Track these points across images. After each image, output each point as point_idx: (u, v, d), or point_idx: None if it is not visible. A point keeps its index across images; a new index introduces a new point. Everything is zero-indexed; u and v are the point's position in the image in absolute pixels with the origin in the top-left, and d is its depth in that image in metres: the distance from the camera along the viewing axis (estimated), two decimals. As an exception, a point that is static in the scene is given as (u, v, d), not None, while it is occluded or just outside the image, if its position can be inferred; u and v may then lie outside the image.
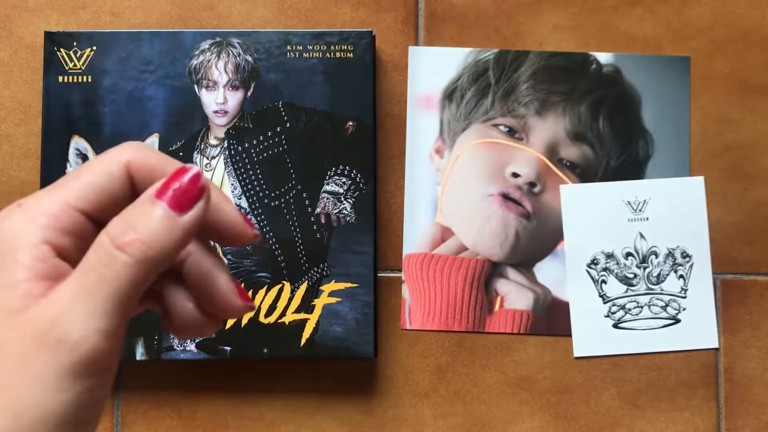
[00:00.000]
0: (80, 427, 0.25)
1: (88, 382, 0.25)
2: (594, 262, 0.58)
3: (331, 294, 0.55)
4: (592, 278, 0.58)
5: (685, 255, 0.58)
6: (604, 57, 0.59)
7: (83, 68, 0.56)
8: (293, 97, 0.56)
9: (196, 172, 0.27)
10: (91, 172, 0.27)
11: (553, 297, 0.58)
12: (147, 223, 0.26)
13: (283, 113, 0.57)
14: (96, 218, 0.27)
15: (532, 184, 0.58)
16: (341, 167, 0.56)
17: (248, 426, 0.57)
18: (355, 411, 0.57)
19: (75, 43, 0.56)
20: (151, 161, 0.28)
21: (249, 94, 0.56)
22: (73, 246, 0.27)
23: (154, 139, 0.56)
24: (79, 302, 0.25)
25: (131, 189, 0.28)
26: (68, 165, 0.56)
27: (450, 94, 0.59)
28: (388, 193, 0.59)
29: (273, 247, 0.56)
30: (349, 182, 0.56)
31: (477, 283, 0.57)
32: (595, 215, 0.58)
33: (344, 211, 0.56)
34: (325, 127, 0.56)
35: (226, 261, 0.55)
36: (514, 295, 0.58)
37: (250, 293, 0.55)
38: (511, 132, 0.58)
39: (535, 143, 0.58)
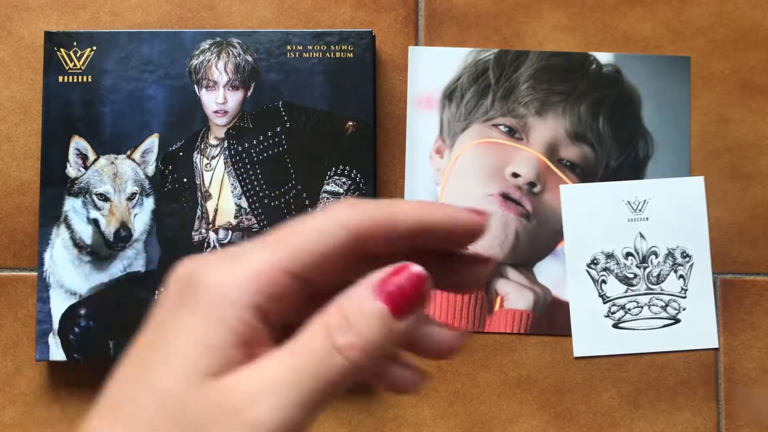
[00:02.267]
0: None
1: None
2: (594, 262, 0.58)
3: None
4: (592, 278, 0.58)
5: (685, 255, 0.58)
6: (604, 57, 0.59)
7: (83, 68, 0.56)
8: (293, 97, 0.56)
9: (423, 275, 0.26)
10: (308, 231, 0.26)
11: (553, 297, 0.58)
12: (367, 326, 0.25)
13: (283, 113, 0.57)
14: (307, 280, 0.26)
15: (532, 184, 0.58)
16: (341, 167, 0.56)
17: (248, 426, 0.57)
18: (356, 411, 0.57)
19: (75, 43, 0.56)
20: (369, 212, 0.26)
21: (249, 94, 0.56)
22: (277, 310, 0.26)
23: (154, 139, 0.56)
24: (286, 390, 0.24)
25: (355, 252, 0.27)
26: (68, 165, 0.56)
27: (450, 94, 0.59)
28: (388, 193, 0.59)
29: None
30: (349, 182, 0.56)
31: (477, 283, 0.57)
32: (595, 215, 0.58)
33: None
34: (325, 127, 0.56)
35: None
36: (514, 295, 0.58)
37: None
38: (511, 132, 0.58)
39: (535, 143, 0.58)
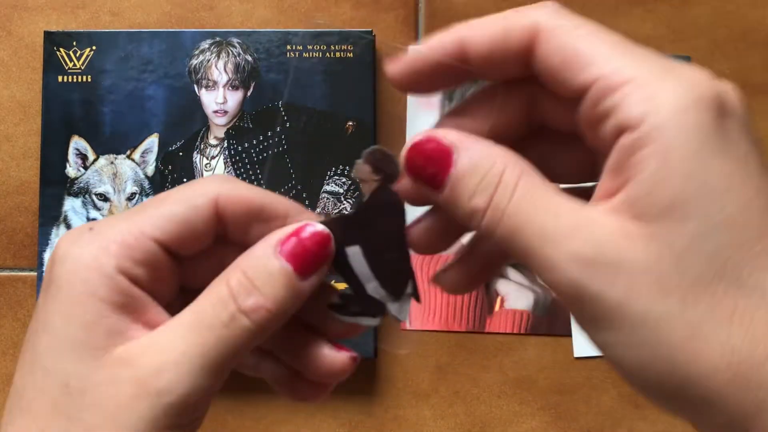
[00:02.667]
0: None
1: None
2: (594, 263, 0.58)
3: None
4: (592, 278, 0.58)
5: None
6: (604, 57, 0.59)
7: (83, 68, 0.56)
8: (293, 97, 0.56)
9: (325, 233, 0.25)
10: (173, 201, 0.25)
11: (554, 297, 0.58)
12: (272, 286, 0.24)
13: (283, 113, 0.56)
14: (172, 249, 0.25)
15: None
16: (341, 167, 0.56)
17: (248, 426, 0.57)
18: (356, 411, 0.57)
19: (75, 43, 0.56)
20: (242, 194, 0.26)
21: (249, 93, 0.56)
22: (146, 277, 0.25)
23: (153, 139, 0.56)
24: (190, 357, 0.23)
25: (216, 224, 0.26)
26: (67, 165, 0.56)
27: (450, 94, 0.59)
28: (388, 193, 0.58)
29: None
30: (349, 182, 0.56)
31: (477, 283, 0.57)
32: (596, 215, 0.58)
33: (344, 211, 0.56)
34: (325, 127, 0.56)
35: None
36: (514, 296, 0.58)
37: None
38: (512, 132, 0.58)
39: (536, 143, 0.58)
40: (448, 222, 0.26)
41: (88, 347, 0.23)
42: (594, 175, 0.24)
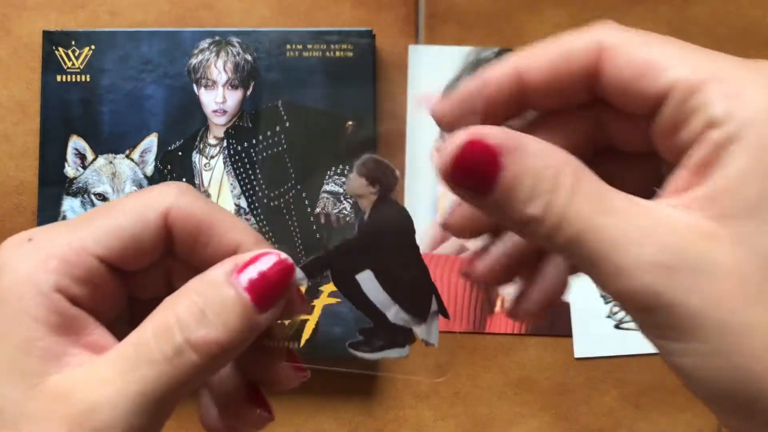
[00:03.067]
0: None
1: None
2: (595, 263, 0.58)
3: (331, 294, 0.55)
4: (593, 278, 0.58)
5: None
6: (605, 56, 0.59)
7: (82, 67, 0.56)
8: (293, 96, 0.56)
9: (288, 264, 0.23)
10: (120, 214, 0.23)
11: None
12: (224, 316, 0.22)
13: (283, 113, 0.56)
14: (116, 265, 0.23)
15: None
16: (341, 167, 0.56)
17: (248, 427, 0.56)
18: (356, 412, 0.57)
19: (73, 42, 0.56)
20: (196, 211, 0.23)
21: (248, 93, 0.56)
22: (86, 294, 0.23)
23: (152, 139, 0.56)
24: (128, 396, 0.21)
25: (165, 240, 0.24)
26: (66, 164, 0.55)
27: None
28: (389, 192, 0.58)
29: (273, 247, 0.55)
30: (349, 182, 0.56)
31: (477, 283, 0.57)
32: (597, 215, 0.58)
33: (344, 211, 0.56)
34: (325, 127, 0.56)
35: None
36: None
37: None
38: (512, 131, 0.58)
39: (536, 143, 0.58)
40: (514, 251, 0.24)
41: (22, 372, 0.21)
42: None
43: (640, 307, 0.19)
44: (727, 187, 0.19)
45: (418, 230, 0.26)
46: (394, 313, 0.24)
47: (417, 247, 0.25)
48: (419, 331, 0.25)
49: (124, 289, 0.25)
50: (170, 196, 0.24)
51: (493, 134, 0.21)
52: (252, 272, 0.22)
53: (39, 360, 0.21)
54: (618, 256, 0.19)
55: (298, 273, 0.24)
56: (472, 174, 0.21)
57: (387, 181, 0.24)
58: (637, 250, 0.19)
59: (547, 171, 0.20)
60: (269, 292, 0.23)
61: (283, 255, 0.23)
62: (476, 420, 0.57)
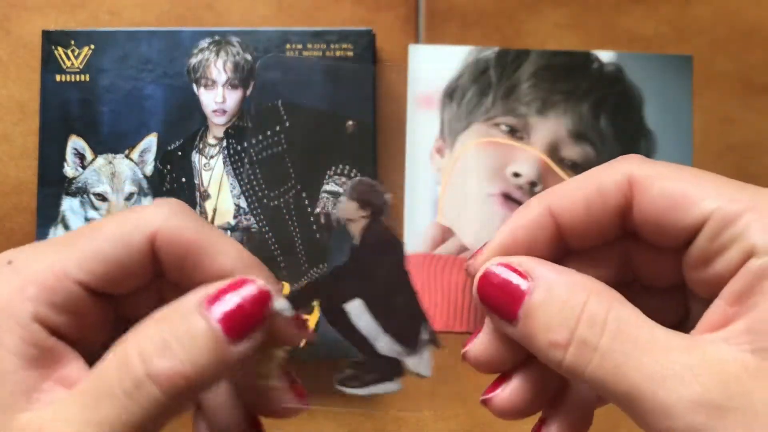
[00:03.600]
0: None
1: None
2: (596, 263, 0.57)
3: (331, 295, 0.55)
4: (593, 279, 0.57)
5: (688, 255, 0.58)
6: (605, 56, 0.59)
7: (81, 67, 0.56)
8: (293, 96, 0.56)
9: (264, 291, 0.21)
10: (105, 237, 0.22)
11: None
12: (191, 347, 0.20)
13: (283, 112, 0.56)
14: (101, 290, 0.22)
15: (533, 184, 0.58)
16: (341, 167, 0.56)
17: (247, 427, 0.56)
18: (356, 413, 0.57)
19: (73, 42, 0.56)
20: (184, 235, 0.22)
21: (248, 93, 0.56)
22: (68, 323, 0.21)
23: (152, 139, 0.56)
24: None
25: (153, 262, 0.23)
26: (65, 164, 0.55)
27: (451, 93, 0.59)
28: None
29: (272, 248, 0.55)
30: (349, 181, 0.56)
31: (478, 283, 0.57)
32: (597, 215, 0.58)
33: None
34: (324, 127, 0.56)
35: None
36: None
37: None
38: (512, 131, 0.58)
39: (537, 143, 0.58)
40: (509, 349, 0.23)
41: None
42: (684, 327, 0.22)
43: None
44: None
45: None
46: (384, 344, 0.23)
47: (407, 273, 0.23)
48: (411, 362, 0.24)
49: (111, 311, 0.23)
50: (159, 217, 0.22)
51: (523, 261, 0.21)
52: (226, 301, 0.21)
53: (9, 394, 0.20)
54: (661, 394, 0.19)
55: (283, 303, 0.22)
56: (500, 297, 0.21)
57: (378, 204, 0.23)
58: (682, 389, 0.18)
59: (573, 299, 0.20)
60: (243, 322, 0.21)
61: (260, 283, 0.21)
62: (476, 420, 0.57)
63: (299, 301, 0.23)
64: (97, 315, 0.22)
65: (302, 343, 0.23)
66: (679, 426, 0.18)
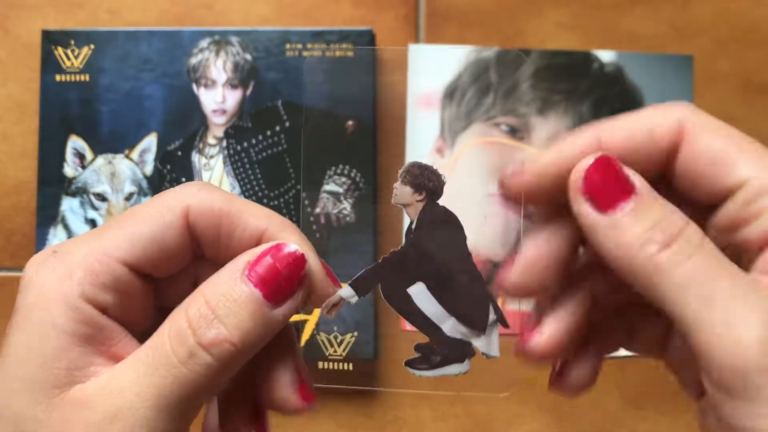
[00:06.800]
0: None
1: None
2: (596, 263, 0.57)
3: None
4: (594, 279, 0.57)
5: (688, 255, 0.57)
6: (606, 56, 0.59)
7: (81, 67, 0.56)
8: (292, 95, 0.56)
9: (299, 255, 0.23)
10: (141, 219, 0.23)
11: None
12: (237, 315, 0.21)
13: (283, 112, 0.56)
14: (143, 271, 0.23)
15: (533, 184, 0.57)
16: (341, 167, 0.56)
17: (247, 428, 0.56)
18: (355, 413, 0.57)
19: (72, 42, 0.56)
20: (215, 205, 0.23)
21: (248, 92, 0.56)
22: (115, 303, 0.23)
23: (152, 139, 0.56)
24: (146, 400, 0.21)
25: (190, 240, 0.24)
26: (65, 164, 0.55)
27: (451, 93, 0.59)
28: (388, 193, 0.58)
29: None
30: (349, 182, 0.56)
31: (478, 283, 0.57)
32: (597, 215, 0.58)
33: (344, 211, 0.56)
34: (324, 127, 0.56)
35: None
36: (515, 296, 0.57)
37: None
38: (513, 131, 0.58)
39: (537, 143, 0.58)
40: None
41: (45, 386, 0.21)
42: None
43: (741, 363, 0.19)
44: None
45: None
46: (450, 326, 0.23)
47: (470, 254, 0.24)
48: (479, 343, 0.24)
49: (154, 298, 0.24)
50: (188, 194, 0.23)
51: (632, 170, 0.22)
52: (262, 267, 0.22)
53: (64, 372, 0.21)
54: (742, 307, 0.19)
55: (347, 291, 0.24)
56: (611, 185, 0.21)
57: (433, 186, 0.23)
58: (759, 311, 0.19)
59: (675, 215, 0.21)
60: (281, 285, 0.22)
61: (293, 247, 0.23)
62: (476, 420, 0.57)
63: (360, 289, 0.24)
64: (141, 298, 0.23)
65: (332, 312, 0.24)
66: (744, 337, 0.19)
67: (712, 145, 0.22)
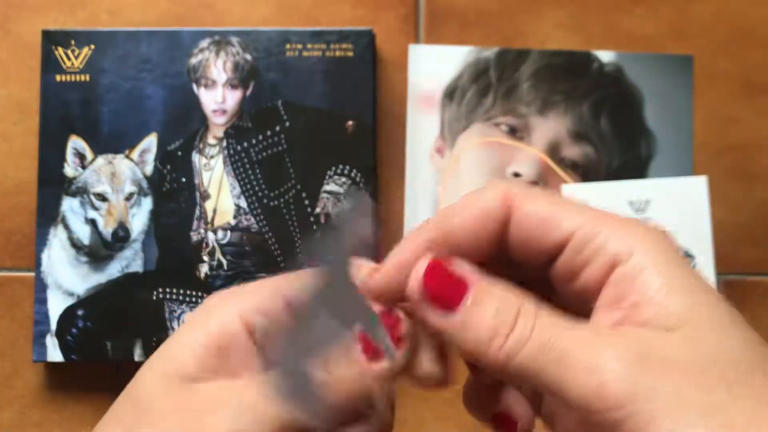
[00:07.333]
0: None
1: None
2: (596, 263, 0.57)
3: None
4: (594, 279, 0.57)
5: (689, 255, 0.57)
6: (606, 56, 0.59)
7: (81, 67, 0.56)
8: (293, 96, 0.56)
9: (397, 317, 0.25)
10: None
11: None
12: (340, 366, 0.25)
13: (283, 112, 0.56)
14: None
15: (533, 184, 0.57)
16: (341, 167, 0.56)
17: (247, 428, 0.56)
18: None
19: (73, 42, 0.56)
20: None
21: (248, 93, 0.56)
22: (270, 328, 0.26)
23: (152, 139, 0.56)
24: (252, 409, 0.24)
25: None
26: (65, 164, 0.55)
27: (451, 93, 0.59)
28: (388, 193, 0.58)
29: (272, 248, 0.55)
30: (349, 182, 0.56)
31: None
32: (597, 215, 0.58)
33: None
34: (324, 127, 0.56)
35: (225, 262, 0.55)
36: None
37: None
38: (513, 131, 0.58)
39: (537, 143, 0.58)
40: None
41: (177, 375, 0.25)
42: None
43: (620, 398, 0.20)
44: (655, 305, 0.22)
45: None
46: None
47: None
48: None
49: None
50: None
51: (464, 265, 0.24)
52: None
53: (191, 366, 0.24)
54: (594, 352, 0.21)
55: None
56: (444, 286, 0.23)
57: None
58: (614, 347, 0.21)
59: (509, 295, 0.23)
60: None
61: (399, 312, 0.26)
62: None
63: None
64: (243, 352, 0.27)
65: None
66: (611, 377, 0.20)
67: (538, 207, 0.24)
